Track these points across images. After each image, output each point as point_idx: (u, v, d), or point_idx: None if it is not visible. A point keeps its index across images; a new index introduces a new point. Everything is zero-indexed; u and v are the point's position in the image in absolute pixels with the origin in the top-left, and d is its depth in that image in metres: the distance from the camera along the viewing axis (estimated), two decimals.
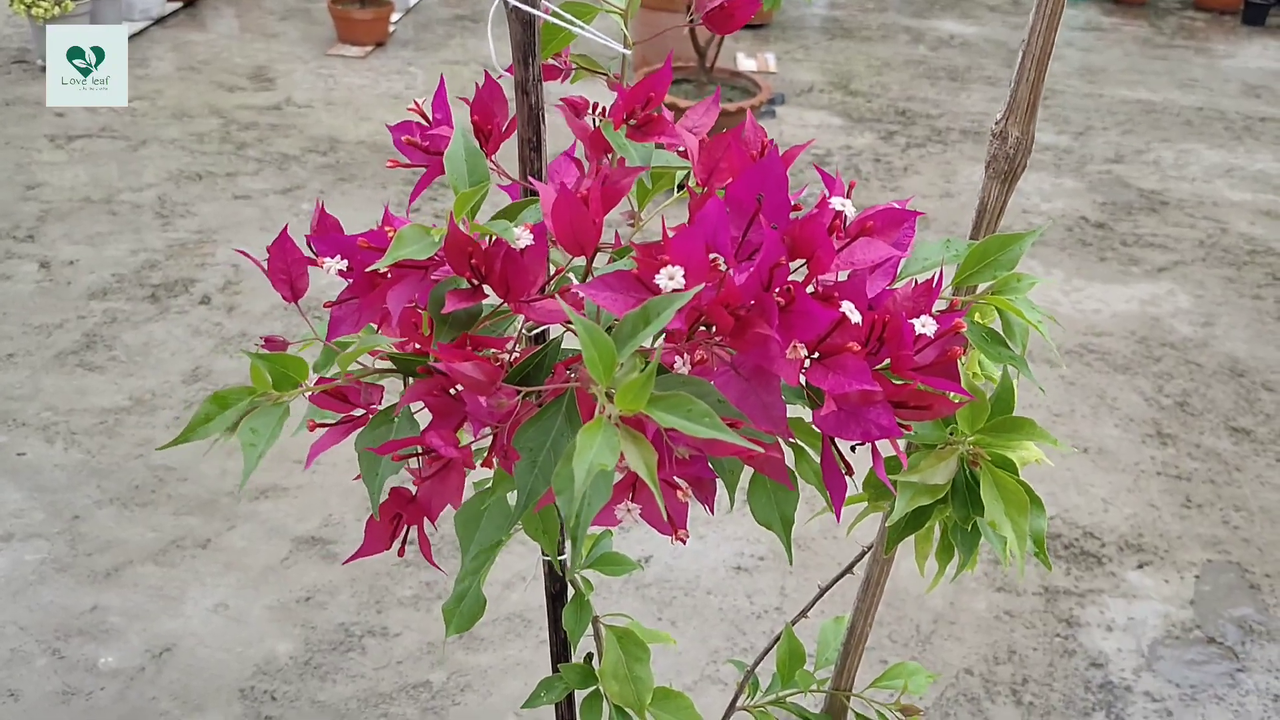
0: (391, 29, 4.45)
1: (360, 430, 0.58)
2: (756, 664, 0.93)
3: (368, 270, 0.54)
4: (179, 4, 4.60)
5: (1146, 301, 2.91)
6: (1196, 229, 3.34)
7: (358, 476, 0.60)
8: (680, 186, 0.74)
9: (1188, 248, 3.22)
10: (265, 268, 0.55)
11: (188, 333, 2.50)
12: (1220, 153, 3.90)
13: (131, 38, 4.16)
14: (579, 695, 0.90)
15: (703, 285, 0.49)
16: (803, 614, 0.90)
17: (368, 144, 3.47)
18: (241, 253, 0.61)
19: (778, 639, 0.90)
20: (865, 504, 0.72)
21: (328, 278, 0.57)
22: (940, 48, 4.84)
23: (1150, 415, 2.45)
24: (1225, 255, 3.19)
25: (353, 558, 0.60)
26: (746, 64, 4.36)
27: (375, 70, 4.11)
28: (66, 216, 2.97)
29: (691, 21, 0.72)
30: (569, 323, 0.53)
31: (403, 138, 0.67)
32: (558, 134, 0.65)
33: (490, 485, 0.66)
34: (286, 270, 0.54)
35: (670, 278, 0.48)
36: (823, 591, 0.89)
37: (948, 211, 3.31)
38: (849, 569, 0.87)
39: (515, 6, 0.63)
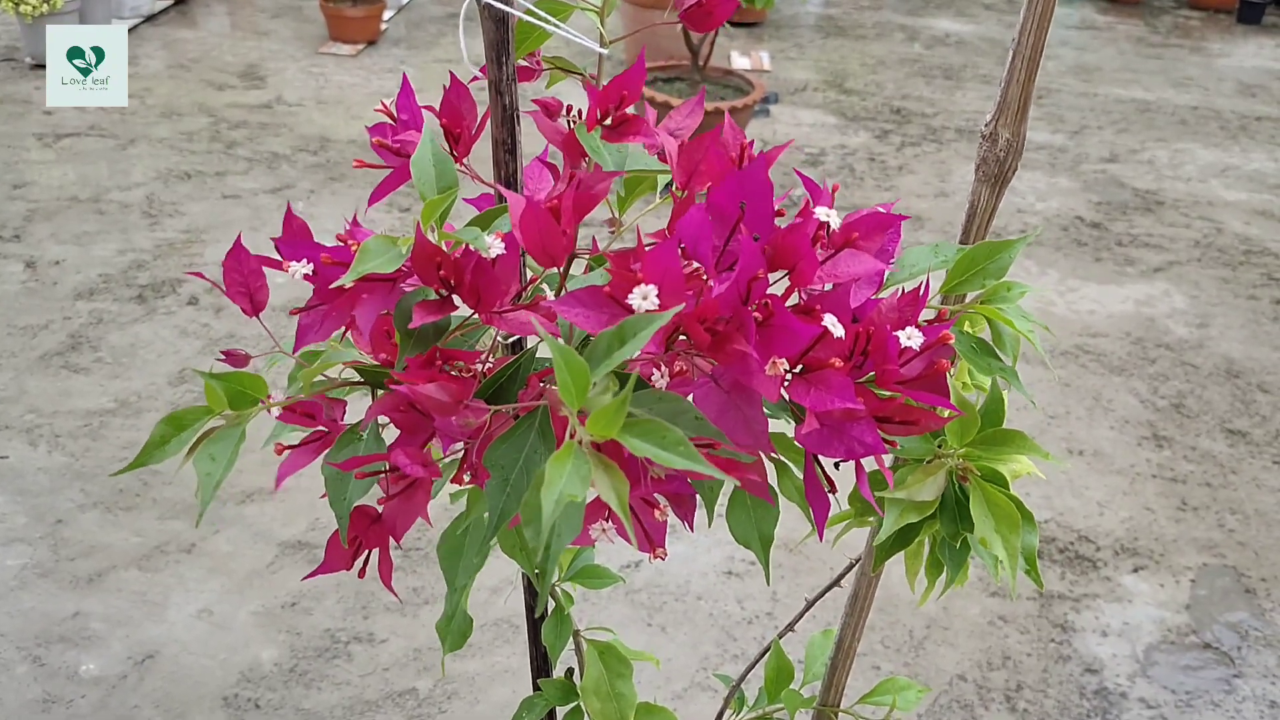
0: (383, 27, 4.43)
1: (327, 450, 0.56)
2: (741, 679, 0.91)
3: (332, 286, 0.52)
4: (170, 1, 4.57)
5: (1142, 302, 2.89)
6: (1192, 229, 3.32)
7: (324, 495, 0.58)
8: (666, 188, 0.72)
9: (1183, 248, 3.20)
10: (223, 287, 0.52)
11: (175, 334, 2.47)
12: (1215, 152, 3.88)
13: None
14: (560, 709, 0.88)
15: (681, 305, 0.47)
16: (789, 628, 0.88)
17: (359, 143, 3.44)
18: (197, 274, 0.59)
19: (763, 654, 0.88)
20: (850, 520, 0.70)
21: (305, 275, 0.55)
22: (935, 46, 4.82)
23: (1146, 417, 2.43)
24: (1221, 255, 3.17)
25: (311, 575, 0.57)
26: (740, 62, 4.34)
27: (367, 69, 4.08)
28: (54, 216, 2.94)
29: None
30: None
31: (374, 140, 0.65)
32: (533, 135, 0.63)
33: (465, 507, 0.64)
34: (244, 282, 0.52)
35: (644, 297, 0.46)
36: (809, 605, 0.87)
37: (942, 211, 3.29)
38: (835, 582, 0.85)
39: (488, 4, 0.61)
